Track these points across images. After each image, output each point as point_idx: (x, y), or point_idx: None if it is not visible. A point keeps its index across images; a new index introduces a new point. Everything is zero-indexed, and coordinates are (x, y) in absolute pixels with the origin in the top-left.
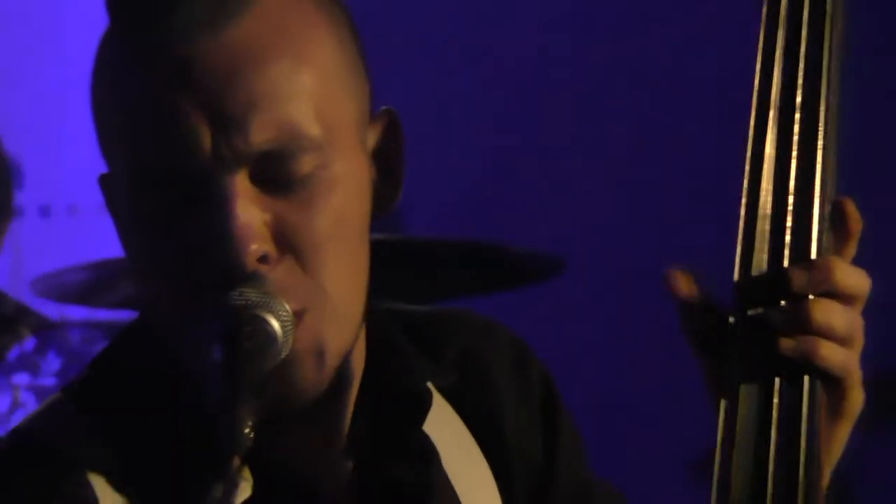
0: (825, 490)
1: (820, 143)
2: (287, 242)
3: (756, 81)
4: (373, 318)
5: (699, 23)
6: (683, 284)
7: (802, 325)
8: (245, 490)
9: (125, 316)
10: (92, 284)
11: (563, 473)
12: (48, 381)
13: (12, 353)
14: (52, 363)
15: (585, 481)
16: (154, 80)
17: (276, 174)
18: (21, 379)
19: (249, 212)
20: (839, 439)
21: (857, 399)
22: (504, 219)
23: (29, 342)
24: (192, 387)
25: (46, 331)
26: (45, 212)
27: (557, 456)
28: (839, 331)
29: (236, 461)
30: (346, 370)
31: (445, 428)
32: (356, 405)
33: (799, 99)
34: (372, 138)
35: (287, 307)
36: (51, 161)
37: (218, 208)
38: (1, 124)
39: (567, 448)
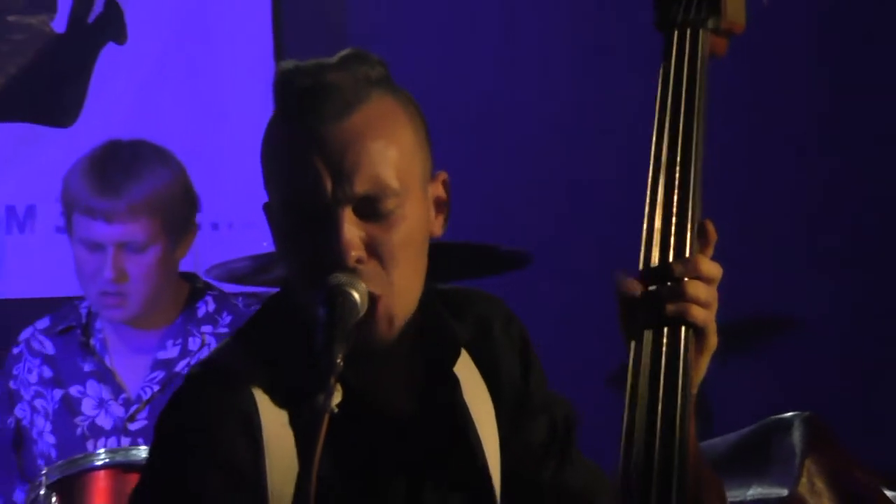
0: (694, 399)
1: (692, 184)
2: (373, 252)
3: (654, 137)
4: (424, 293)
5: None
6: (623, 281)
7: (681, 296)
8: (337, 398)
9: (271, 291)
10: (250, 270)
11: (534, 391)
12: (223, 330)
13: (200, 311)
14: (225, 319)
15: (547, 394)
16: (301, 148)
17: (370, 210)
18: (206, 329)
19: (352, 232)
20: (702, 367)
21: (713, 341)
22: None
23: (211, 305)
24: (311, 332)
25: (222, 298)
26: (214, 227)
27: (530, 381)
28: (703, 299)
29: (332, 380)
30: (407, 328)
31: (463, 367)
32: (412, 350)
33: (680, 154)
34: (432, 191)
35: (364, 286)
36: (215, 188)
37: (334, 229)
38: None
39: (536, 376)
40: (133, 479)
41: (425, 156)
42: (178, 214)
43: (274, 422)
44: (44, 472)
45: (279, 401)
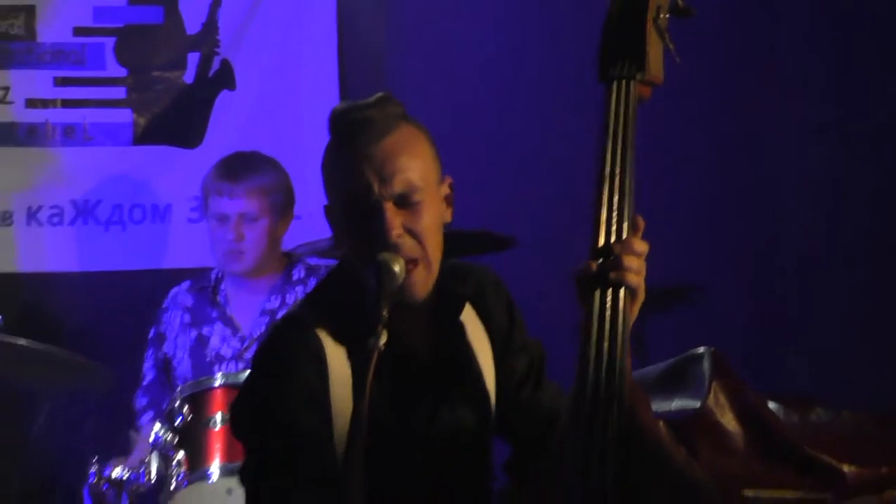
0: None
1: (626, 188)
2: (409, 231)
3: (600, 156)
4: (441, 264)
5: None
6: (578, 268)
7: (619, 267)
8: (382, 340)
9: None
10: (327, 248)
11: (517, 335)
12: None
13: (294, 276)
14: (312, 282)
15: (525, 337)
16: (354, 162)
17: (404, 202)
18: (298, 288)
19: (394, 219)
20: (634, 315)
21: (642, 297)
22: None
23: (302, 272)
24: (363, 294)
25: (309, 267)
26: (297, 217)
27: (514, 329)
28: (635, 269)
29: (379, 328)
30: (432, 289)
31: (467, 317)
32: (431, 306)
33: (618, 169)
34: (442, 190)
35: (403, 261)
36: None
37: (381, 217)
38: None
39: (518, 325)
40: None
41: (437, 165)
42: (279, 201)
43: (336, 358)
44: (179, 389)
45: (340, 343)
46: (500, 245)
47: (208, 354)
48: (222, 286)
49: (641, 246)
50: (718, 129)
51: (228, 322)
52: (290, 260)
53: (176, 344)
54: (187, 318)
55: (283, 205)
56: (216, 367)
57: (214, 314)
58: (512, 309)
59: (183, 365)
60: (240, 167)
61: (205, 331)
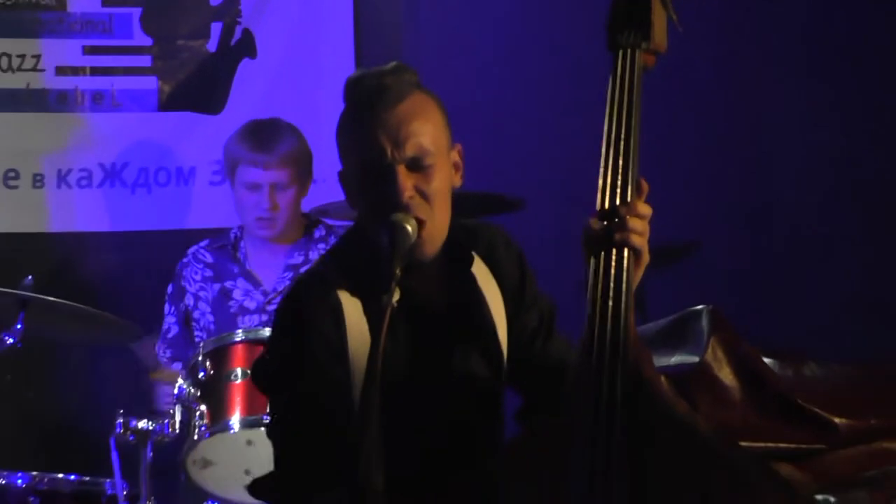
0: (633, 297)
1: (631, 152)
2: (420, 192)
3: (605, 122)
4: (451, 223)
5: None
6: (588, 221)
7: (624, 228)
8: (396, 296)
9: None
10: (343, 210)
11: (528, 290)
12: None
13: (316, 235)
14: (332, 240)
15: (536, 292)
16: (369, 127)
17: (416, 166)
18: (320, 246)
19: (406, 181)
20: (639, 275)
21: (646, 258)
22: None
23: (322, 231)
24: (377, 253)
25: (329, 227)
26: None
27: (525, 284)
28: (639, 230)
29: (393, 284)
30: (441, 246)
31: (479, 272)
32: (443, 261)
33: (623, 134)
34: (452, 156)
35: (415, 220)
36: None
37: (394, 180)
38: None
39: (529, 280)
40: (260, 350)
41: (448, 132)
42: (304, 167)
43: (353, 313)
44: (202, 345)
45: (356, 298)
46: (510, 206)
47: (232, 307)
48: (242, 244)
49: (645, 209)
50: (718, 95)
51: (250, 277)
52: (311, 220)
53: (197, 297)
54: (209, 272)
55: (307, 171)
56: (240, 320)
57: (236, 269)
58: (523, 264)
59: (206, 317)
60: (269, 138)
61: (227, 284)
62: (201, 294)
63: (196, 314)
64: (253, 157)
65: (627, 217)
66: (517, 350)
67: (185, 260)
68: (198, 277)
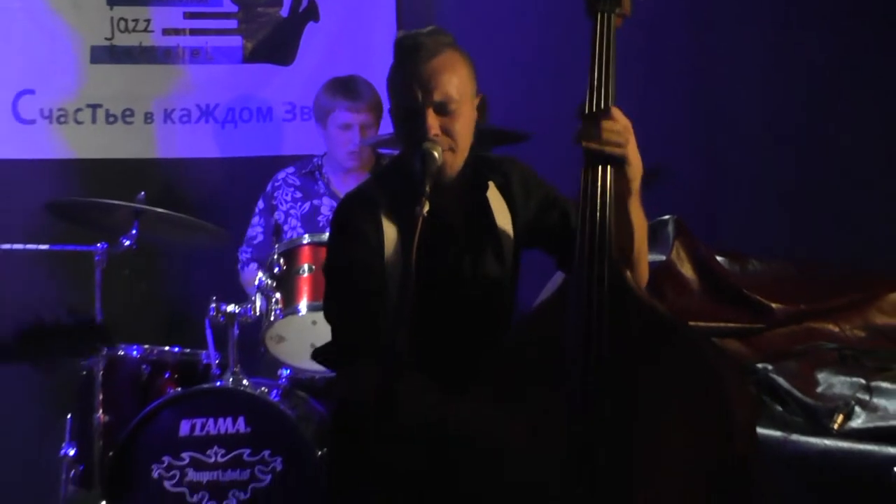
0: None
1: (610, 94)
2: (446, 130)
3: (589, 70)
4: (470, 157)
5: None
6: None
7: (601, 137)
8: (426, 209)
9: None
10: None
11: (545, 200)
12: None
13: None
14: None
15: (557, 196)
16: (407, 77)
17: (443, 110)
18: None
19: (433, 121)
20: (633, 186)
21: (636, 165)
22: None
23: (386, 160)
24: (411, 175)
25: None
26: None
27: (540, 200)
28: (615, 140)
29: (423, 199)
30: (461, 173)
31: (493, 198)
32: (462, 186)
33: (603, 79)
34: (476, 101)
35: (441, 148)
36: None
37: (423, 119)
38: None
39: (545, 192)
40: (321, 251)
41: (473, 83)
42: (380, 111)
43: (389, 225)
44: (276, 247)
45: (393, 211)
46: (520, 138)
47: (321, 220)
48: (323, 171)
49: (622, 117)
50: (684, 44)
51: (334, 196)
52: (375, 151)
53: (288, 214)
54: (299, 194)
55: (378, 115)
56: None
57: (322, 189)
58: (538, 187)
59: (296, 230)
60: (356, 89)
61: (315, 202)
62: (292, 211)
63: (286, 227)
64: (346, 104)
65: (604, 126)
66: (545, 234)
67: (276, 183)
68: (288, 198)
